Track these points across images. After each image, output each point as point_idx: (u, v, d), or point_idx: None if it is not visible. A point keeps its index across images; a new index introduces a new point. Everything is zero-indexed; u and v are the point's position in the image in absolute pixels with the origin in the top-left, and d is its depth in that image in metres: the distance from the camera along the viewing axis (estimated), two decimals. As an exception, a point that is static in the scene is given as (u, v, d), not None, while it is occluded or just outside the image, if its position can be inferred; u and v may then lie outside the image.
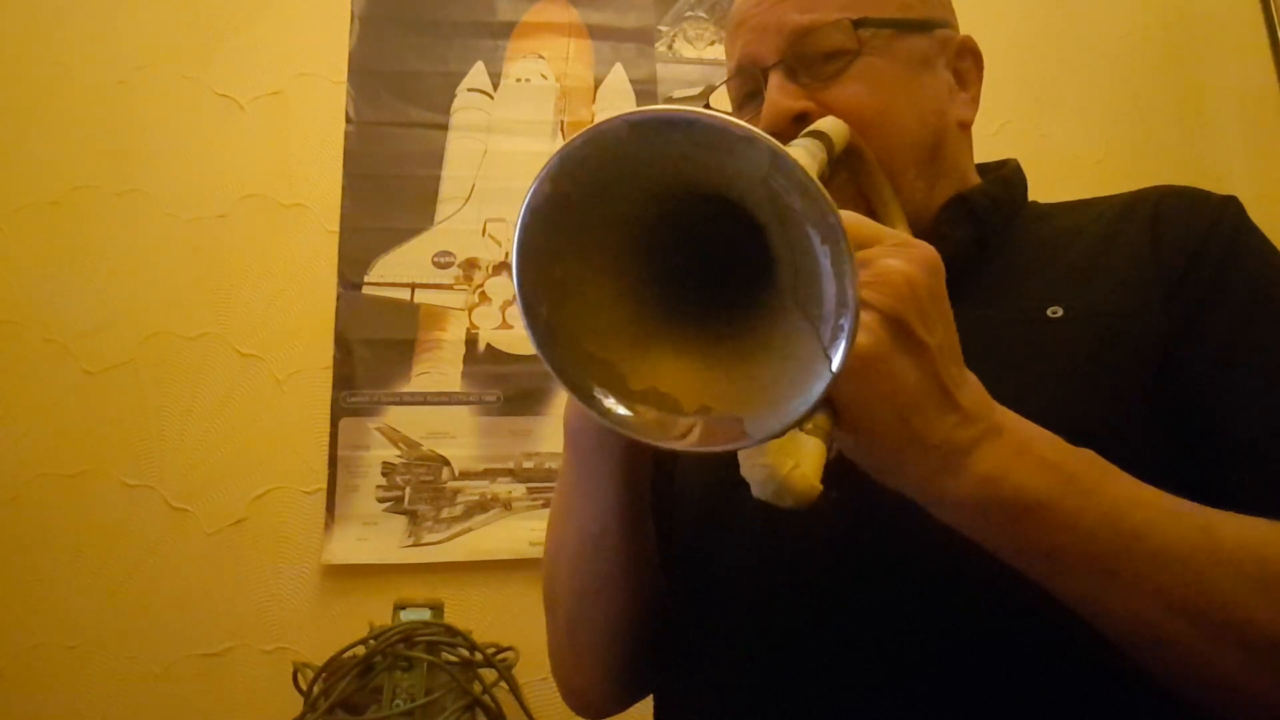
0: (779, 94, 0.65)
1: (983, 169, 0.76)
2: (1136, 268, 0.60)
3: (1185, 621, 0.44)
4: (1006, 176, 0.72)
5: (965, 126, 0.73)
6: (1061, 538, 0.43)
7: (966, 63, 0.73)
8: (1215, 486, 0.52)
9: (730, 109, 0.75)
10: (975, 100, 0.73)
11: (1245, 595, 0.44)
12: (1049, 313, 0.60)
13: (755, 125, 0.68)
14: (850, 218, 0.42)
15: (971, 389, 0.44)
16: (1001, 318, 0.61)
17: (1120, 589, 0.44)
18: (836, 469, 0.43)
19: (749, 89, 0.71)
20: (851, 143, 0.61)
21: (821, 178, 0.50)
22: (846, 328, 0.34)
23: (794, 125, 0.63)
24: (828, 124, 0.59)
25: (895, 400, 0.41)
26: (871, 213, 0.64)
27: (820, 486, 0.39)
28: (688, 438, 0.37)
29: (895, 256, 0.42)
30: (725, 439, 0.36)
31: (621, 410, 0.37)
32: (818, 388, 0.34)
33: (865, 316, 0.39)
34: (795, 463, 0.38)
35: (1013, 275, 0.64)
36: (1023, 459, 0.44)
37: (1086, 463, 0.46)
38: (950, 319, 0.44)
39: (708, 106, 0.77)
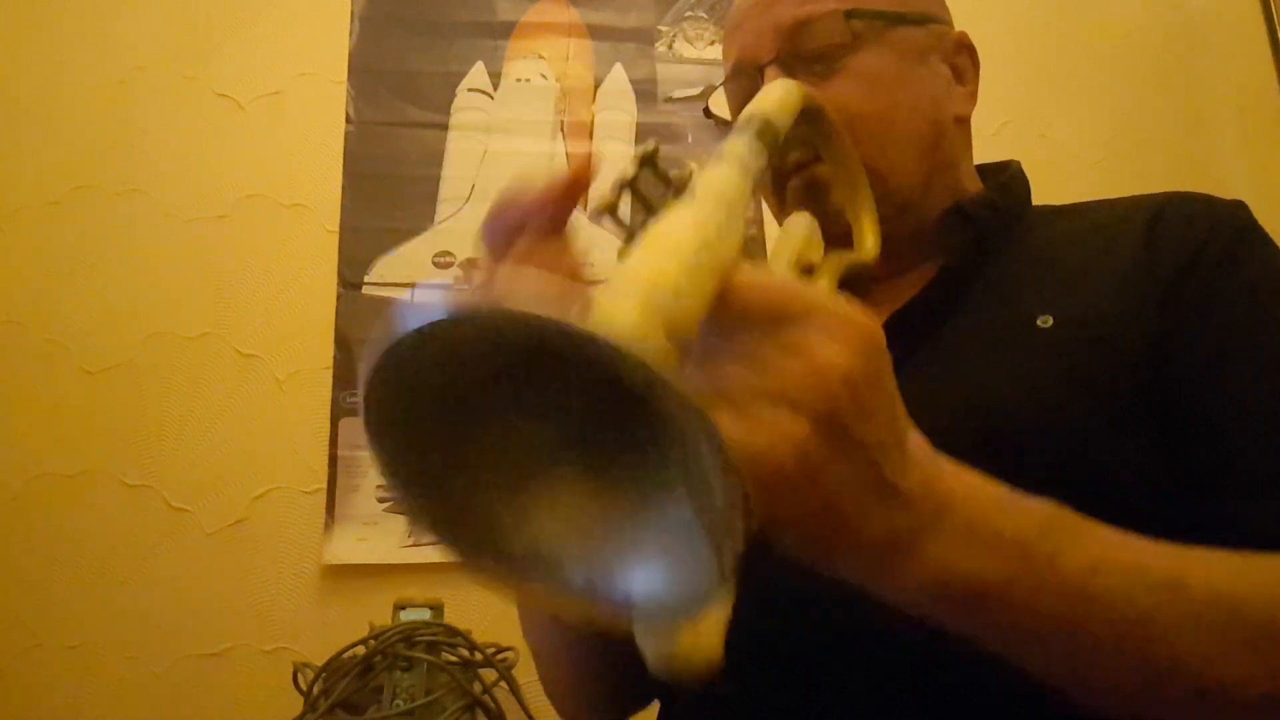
0: None
1: (984, 172, 0.75)
2: (1132, 272, 0.60)
3: (1155, 687, 0.42)
4: (1007, 183, 0.72)
5: (962, 121, 0.73)
6: (1018, 619, 0.41)
7: (963, 58, 0.73)
8: (1205, 496, 0.52)
9: (729, 112, 0.76)
10: (973, 95, 0.73)
11: (1216, 654, 0.42)
12: (1039, 322, 0.59)
13: None
14: (777, 289, 0.37)
15: (915, 468, 0.39)
16: (992, 326, 0.61)
17: (1083, 659, 0.42)
18: None
19: (746, 91, 0.69)
20: (806, 106, 0.57)
21: (761, 176, 0.48)
22: (735, 550, 0.29)
23: None
24: (770, 101, 0.53)
25: (829, 508, 0.37)
26: (826, 209, 0.63)
27: (720, 653, 0.35)
28: (574, 610, 0.33)
29: (830, 341, 0.36)
30: (611, 616, 0.32)
31: (505, 572, 0.33)
32: (709, 598, 0.30)
33: (794, 425, 0.34)
34: (693, 639, 0.34)
35: (1008, 284, 0.64)
36: (972, 542, 0.40)
37: (1045, 527, 0.42)
38: (893, 398, 0.39)
39: (706, 110, 0.78)
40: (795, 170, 0.67)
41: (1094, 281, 0.61)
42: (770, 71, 0.66)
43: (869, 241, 0.62)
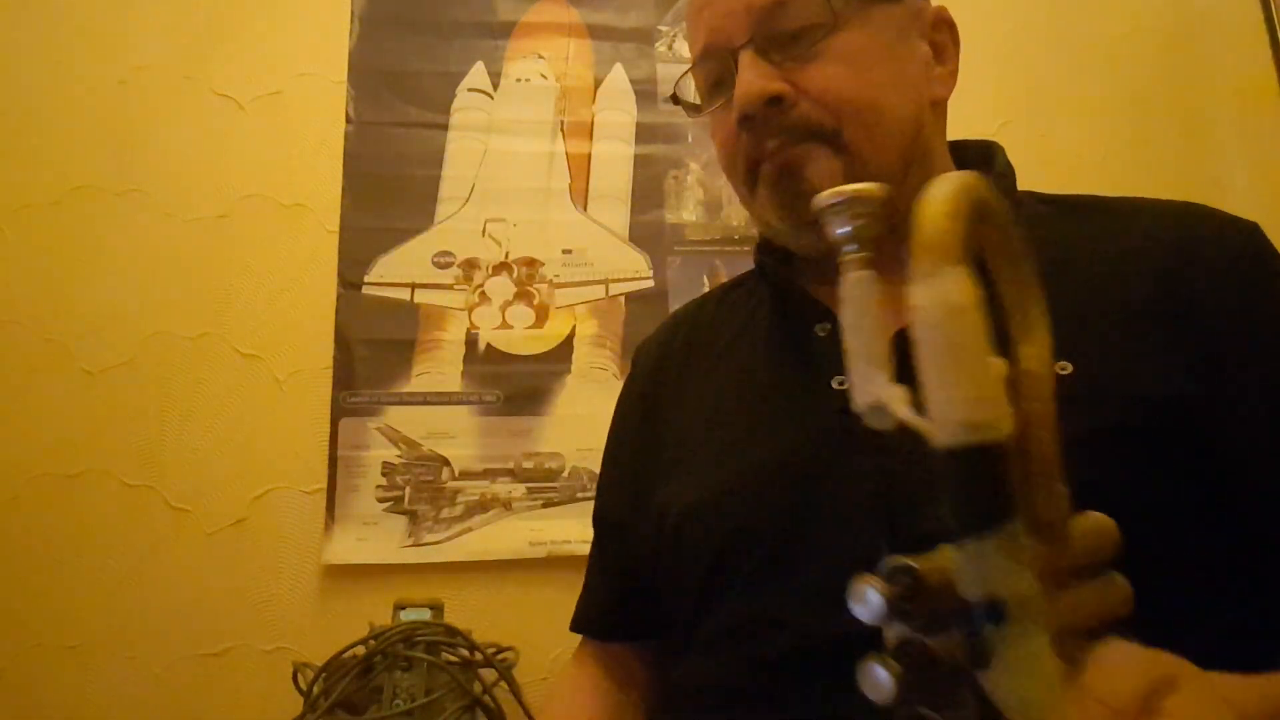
0: (752, 74, 0.62)
1: (960, 149, 0.72)
2: (1153, 308, 0.58)
3: None
4: (993, 184, 0.70)
5: (939, 105, 0.69)
6: None
7: (942, 34, 0.70)
8: (1247, 545, 0.52)
9: (699, 96, 0.72)
10: (953, 75, 0.70)
11: None
12: (1058, 369, 0.57)
13: (726, 112, 0.65)
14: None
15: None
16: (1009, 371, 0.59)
17: None
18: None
19: (717, 75, 0.67)
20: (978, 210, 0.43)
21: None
22: None
23: (768, 107, 0.61)
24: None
25: None
26: (799, 189, 0.61)
27: None
28: None
29: None
30: None
31: None
32: None
33: None
34: None
35: None
36: None
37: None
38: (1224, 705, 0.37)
39: (674, 97, 0.74)
40: (768, 156, 0.64)
41: (1111, 320, 0.58)
42: (745, 57, 0.63)
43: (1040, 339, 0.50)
